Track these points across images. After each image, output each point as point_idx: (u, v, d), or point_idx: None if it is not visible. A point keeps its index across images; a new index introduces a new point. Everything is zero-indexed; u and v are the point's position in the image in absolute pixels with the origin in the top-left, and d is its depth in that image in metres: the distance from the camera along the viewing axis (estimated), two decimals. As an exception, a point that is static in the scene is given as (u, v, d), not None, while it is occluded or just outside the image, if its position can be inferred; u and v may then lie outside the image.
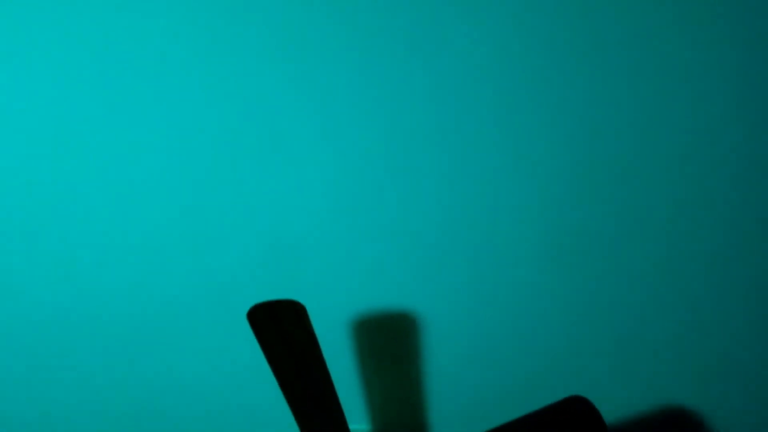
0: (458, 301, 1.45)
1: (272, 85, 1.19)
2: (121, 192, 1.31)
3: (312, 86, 1.19)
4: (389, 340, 1.50)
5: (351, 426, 1.53)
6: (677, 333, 1.47)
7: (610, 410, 1.57)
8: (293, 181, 1.30)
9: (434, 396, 1.57)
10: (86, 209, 1.33)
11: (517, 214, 1.33)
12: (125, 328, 1.50)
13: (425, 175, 1.29)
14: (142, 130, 1.24)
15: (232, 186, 1.31)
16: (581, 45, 1.15)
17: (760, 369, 1.52)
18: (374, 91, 1.20)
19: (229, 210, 1.34)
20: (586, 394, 1.30)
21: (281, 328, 1.20)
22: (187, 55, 1.16)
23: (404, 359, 1.52)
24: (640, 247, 1.36)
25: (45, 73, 1.17)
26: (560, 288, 1.42)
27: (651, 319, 1.45)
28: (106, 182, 1.29)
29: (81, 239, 1.37)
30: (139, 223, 1.35)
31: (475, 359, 1.52)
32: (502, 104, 1.21)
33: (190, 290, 1.44)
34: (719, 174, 1.27)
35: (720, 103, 1.20)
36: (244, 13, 1.13)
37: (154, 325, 1.49)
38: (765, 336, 1.47)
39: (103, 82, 1.18)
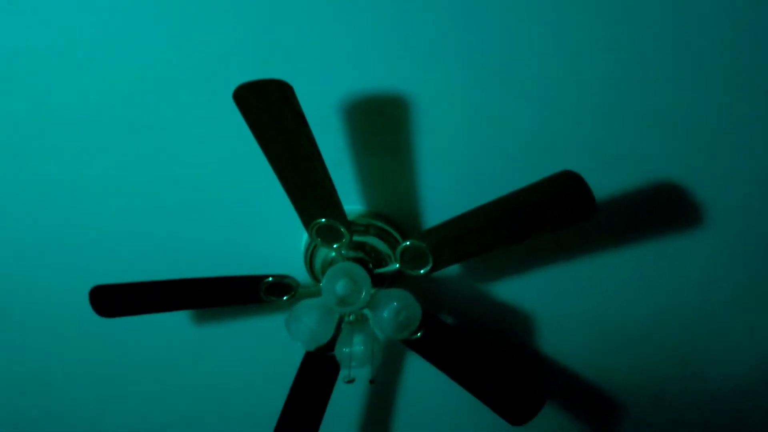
0: (452, 84, 1.40)
1: None
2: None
3: None
4: (381, 123, 1.48)
5: (345, 206, 1.57)
6: (669, 106, 1.45)
7: (600, 188, 1.60)
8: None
9: (426, 177, 1.59)
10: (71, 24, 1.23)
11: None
12: (107, 121, 1.47)
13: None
14: None
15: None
16: None
17: (751, 143, 1.52)
18: None
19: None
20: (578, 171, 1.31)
21: (268, 108, 1.17)
22: None
23: (397, 142, 1.51)
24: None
25: None
26: (554, 68, 1.37)
27: (641, 90, 1.42)
28: None
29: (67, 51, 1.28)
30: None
31: (467, 140, 1.51)
32: None
33: (175, 65, 1.39)
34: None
35: None
36: None
37: (140, 110, 1.47)
38: (759, 110, 1.45)
39: None
